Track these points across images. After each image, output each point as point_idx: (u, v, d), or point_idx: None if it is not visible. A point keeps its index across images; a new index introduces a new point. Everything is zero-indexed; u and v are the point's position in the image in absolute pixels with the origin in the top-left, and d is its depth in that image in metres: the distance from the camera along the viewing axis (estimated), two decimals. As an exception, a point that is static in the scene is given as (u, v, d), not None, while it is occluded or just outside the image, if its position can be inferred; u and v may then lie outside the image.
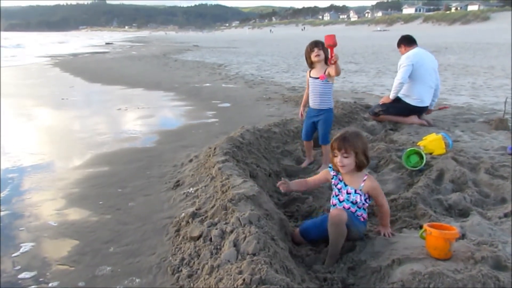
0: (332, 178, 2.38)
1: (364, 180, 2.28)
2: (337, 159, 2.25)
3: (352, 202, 2.30)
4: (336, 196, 2.36)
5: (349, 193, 2.31)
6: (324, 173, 2.48)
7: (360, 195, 2.28)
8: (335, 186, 2.37)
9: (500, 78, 9.98)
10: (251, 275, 1.65)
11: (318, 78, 3.61)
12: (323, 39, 3.30)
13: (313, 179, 2.56)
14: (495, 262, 1.85)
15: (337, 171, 2.34)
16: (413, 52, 5.29)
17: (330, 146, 2.30)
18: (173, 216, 2.77)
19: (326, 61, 3.48)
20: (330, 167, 2.41)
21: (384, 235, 2.30)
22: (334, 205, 2.36)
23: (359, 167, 2.26)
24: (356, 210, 2.30)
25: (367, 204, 2.33)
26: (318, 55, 3.56)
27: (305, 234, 2.40)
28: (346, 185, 2.32)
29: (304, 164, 3.94)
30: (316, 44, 3.59)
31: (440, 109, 5.83)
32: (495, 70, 11.51)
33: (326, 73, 3.49)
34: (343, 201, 2.32)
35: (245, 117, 6.16)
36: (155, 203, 3.11)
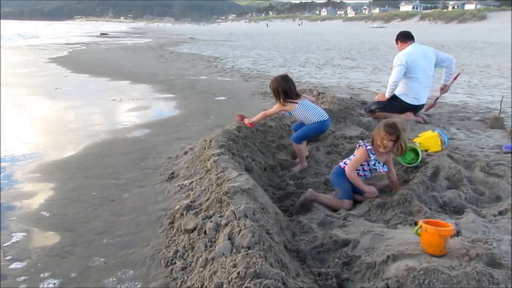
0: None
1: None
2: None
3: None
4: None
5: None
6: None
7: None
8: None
9: (495, 77, 10.02)
10: (246, 269, 1.64)
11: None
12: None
13: None
14: (489, 259, 1.86)
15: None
16: (407, 51, 5.28)
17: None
18: (168, 208, 2.75)
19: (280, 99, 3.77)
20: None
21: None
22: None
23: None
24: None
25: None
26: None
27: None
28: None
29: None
30: None
31: (454, 79, 5.57)
32: (491, 69, 11.56)
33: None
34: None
35: (241, 110, 6.07)
36: (149, 195, 3.09)
